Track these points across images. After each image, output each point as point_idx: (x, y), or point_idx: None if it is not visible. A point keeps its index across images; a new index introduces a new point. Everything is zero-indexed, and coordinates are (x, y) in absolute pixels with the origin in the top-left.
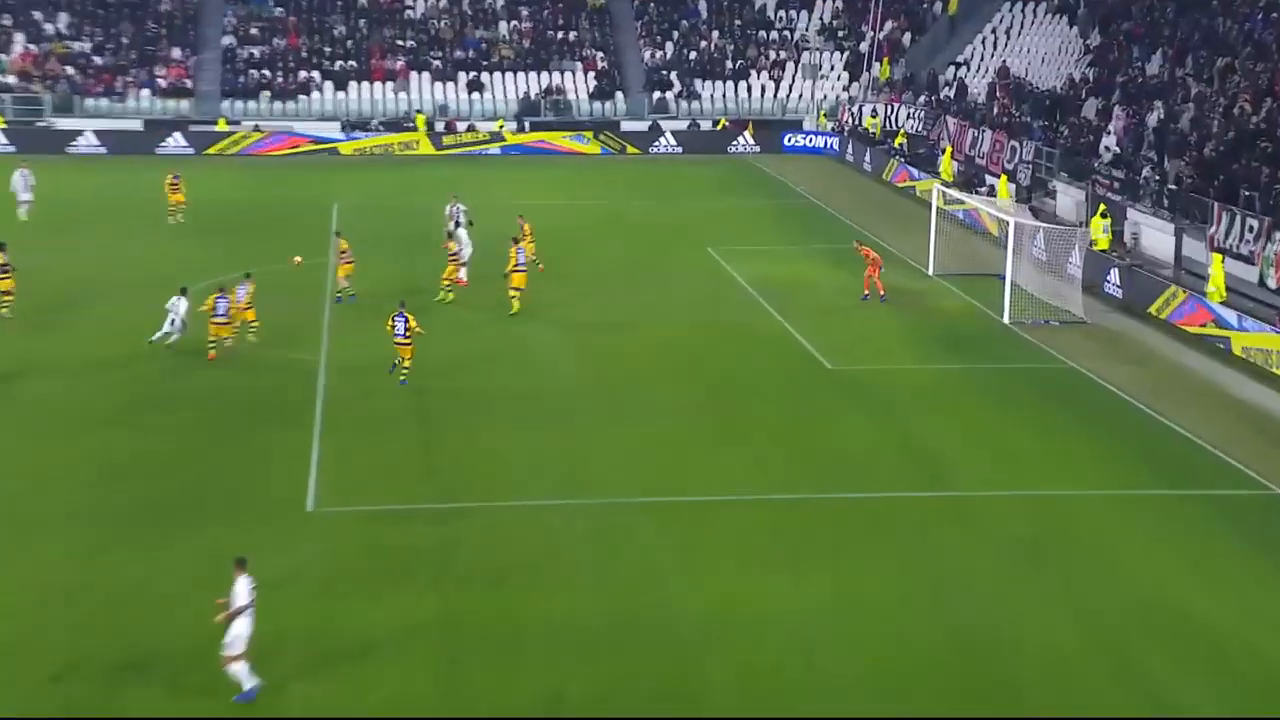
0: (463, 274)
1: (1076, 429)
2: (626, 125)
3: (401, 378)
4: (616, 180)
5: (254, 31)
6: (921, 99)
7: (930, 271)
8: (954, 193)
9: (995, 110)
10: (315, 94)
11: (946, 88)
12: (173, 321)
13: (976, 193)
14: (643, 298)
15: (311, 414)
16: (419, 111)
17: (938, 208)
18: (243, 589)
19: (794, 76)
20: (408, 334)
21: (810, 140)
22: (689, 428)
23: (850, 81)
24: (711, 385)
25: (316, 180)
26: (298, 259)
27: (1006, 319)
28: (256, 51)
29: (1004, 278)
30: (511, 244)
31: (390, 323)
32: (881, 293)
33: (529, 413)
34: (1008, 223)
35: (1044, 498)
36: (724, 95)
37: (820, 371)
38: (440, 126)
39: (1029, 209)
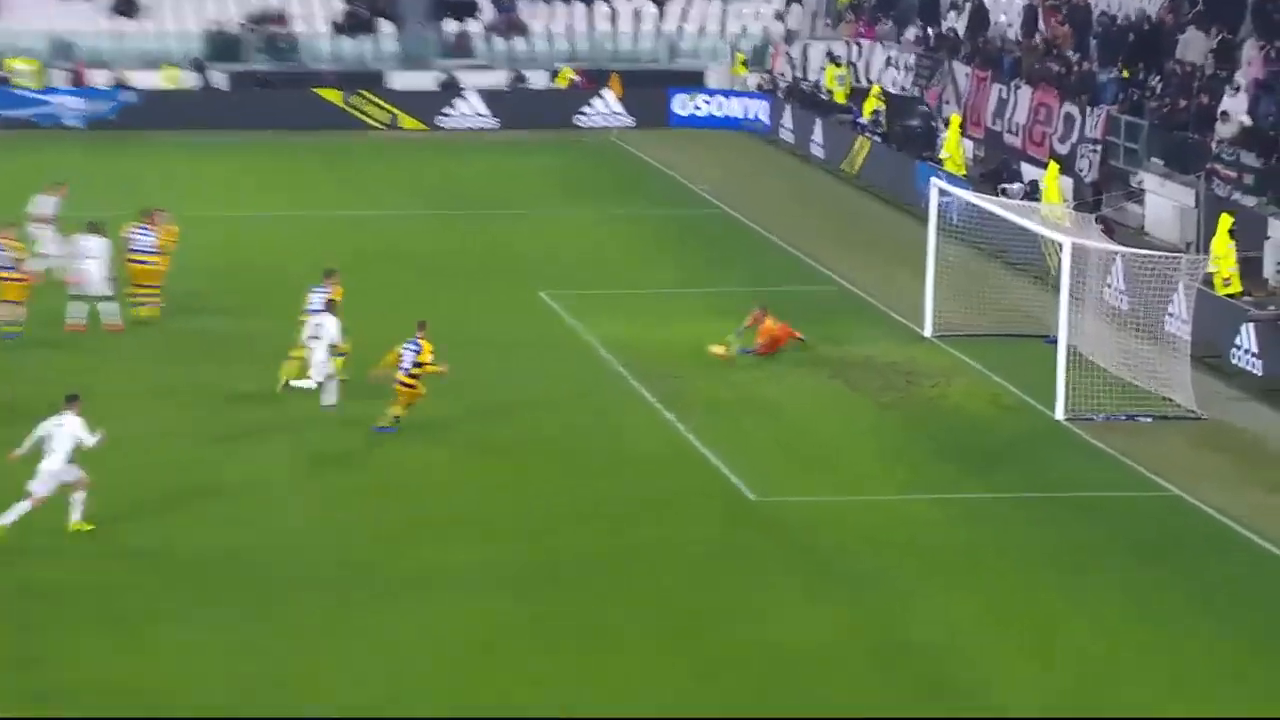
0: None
1: (1181, 605)
2: (399, 80)
3: (388, 423)
4: (382, 176)
5: None
6: (911, 33)
7: (927, 331)
8: (966, 194)
9: (1038, 52)
10: None
11: (953, 12)
12: None
13: (1006, 193)
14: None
15: None
16: (24, 55)
17: (939, 220)
18: None
19: None
20: (418, 371)
21: (719, 106)
22: (497, 616)
23: (788, 2)
24: (536, 536)
25: None
26: None
27: (1060, 414)
28: None
29: (1054, 340)
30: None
31: (397, 353)
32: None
33: (213, 585)
34: (1060, 246)
35: None
36: (568, 26)
37: (736, 506)
38: (63, 79)
39: (1097, 221)
